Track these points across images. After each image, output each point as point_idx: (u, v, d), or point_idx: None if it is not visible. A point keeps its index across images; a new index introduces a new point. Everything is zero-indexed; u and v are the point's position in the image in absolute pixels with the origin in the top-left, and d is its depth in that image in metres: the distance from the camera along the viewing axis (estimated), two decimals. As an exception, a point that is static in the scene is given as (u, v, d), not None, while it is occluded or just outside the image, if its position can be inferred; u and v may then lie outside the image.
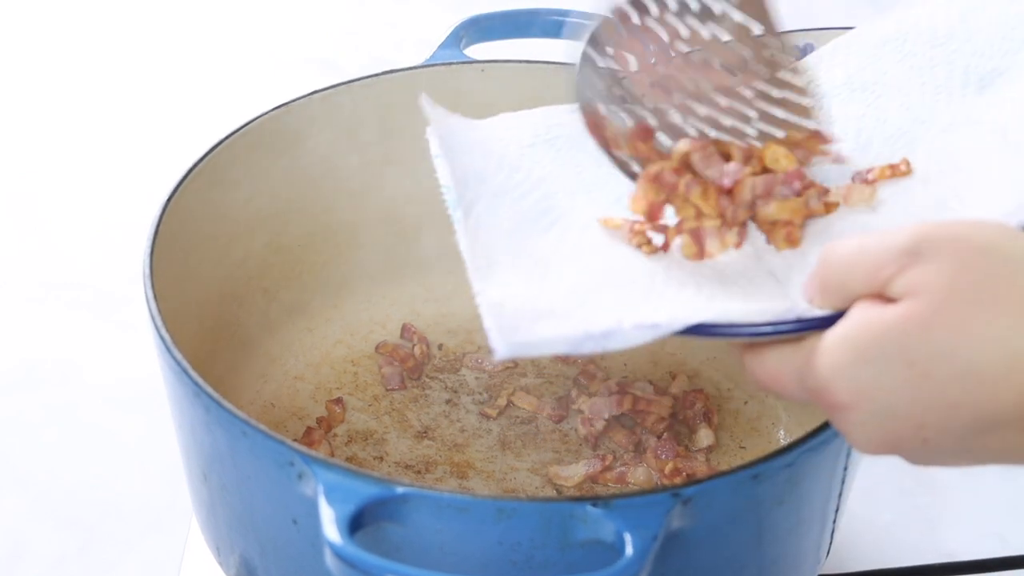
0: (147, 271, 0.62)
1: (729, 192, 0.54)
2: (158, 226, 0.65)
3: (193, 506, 0.66)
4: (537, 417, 0.75)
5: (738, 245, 0.54)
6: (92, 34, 1.26)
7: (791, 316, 0.49)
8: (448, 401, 0.76)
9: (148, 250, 0.64)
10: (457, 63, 0.78)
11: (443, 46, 0.80)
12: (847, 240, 0.48)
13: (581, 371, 0.77)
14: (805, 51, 0.64)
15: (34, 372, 0.88)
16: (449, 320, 0.81)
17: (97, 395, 0.86)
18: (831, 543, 0.65)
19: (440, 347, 0.80)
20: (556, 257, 0.54)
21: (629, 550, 0.50)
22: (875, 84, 0.60)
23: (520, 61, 0.78)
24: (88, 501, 0.79)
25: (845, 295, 0.47)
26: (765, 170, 0.55)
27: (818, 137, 0.56)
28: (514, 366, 0.78)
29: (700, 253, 0.54)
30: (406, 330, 0.80)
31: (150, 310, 0.60)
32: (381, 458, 0.72)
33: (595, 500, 0.51)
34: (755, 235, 0.55)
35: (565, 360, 0.78)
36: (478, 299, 0.50)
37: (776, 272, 0.52)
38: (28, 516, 0.78)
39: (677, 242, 0.54)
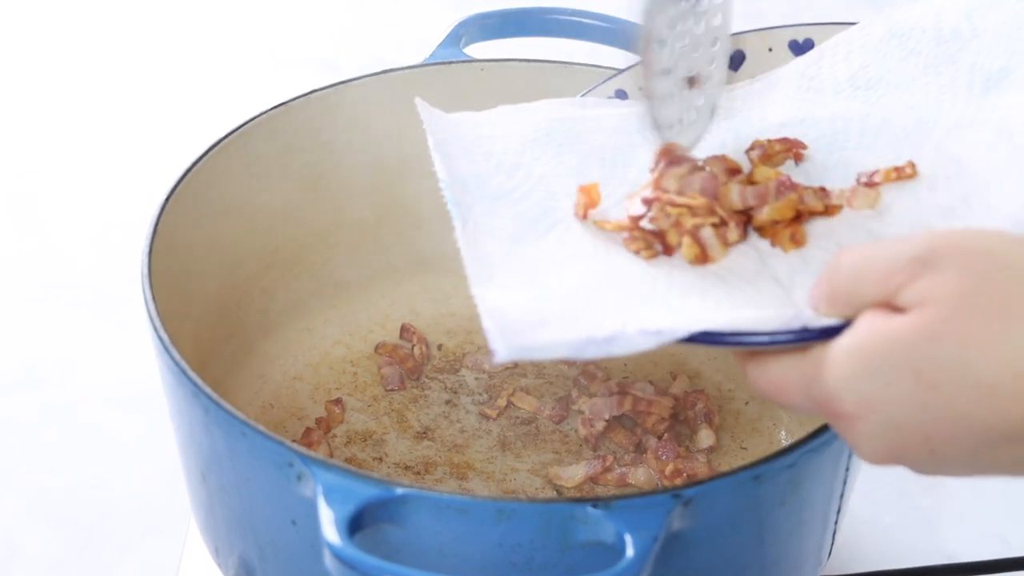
0: (145, 271, 0.62)
1: (715, 199, 0.54)
2: (156, 226, 0.65)
3: (192, 507, 0.65)
4: (537, 418, 0.75)
5: (740, 238, 0.53)
6: (92, 34, 1.26)
7: (796, 324, 0.48)
8: (448, 402, 0.76)
9: (146, 250, 0.64)
10: (457, 62, 0.78)
11: (443, 45, 0.79)
12: (856, 247, 0.47)
13: (581, 371, 0.77)
14: (804, 47, 0.64)
15: (34, 372, 0.88)
16: (448, 320, 0.81)
17: (96, 395, 0.86)
18: (832, 544, 0.65)
19: (440, 347, 0.79)
20: (556, 260, 0.53)
21: (630, 551, 0.50)
22: (879, 82, 0.59)
23: (520, 60, 0.78)
24: (87, 501, 0.79)
25: (853, 304, 0.47)
26: (752, 183, 0.55)
27: (791, 144, 0.56)
28: (514, 367, 0.78)
29: (703, 256, 0.53)
30: (405, 330, 0.80)
31: (148, 310, 0.60)
32: (380, 459, 0.72)
33: (595, 501, 0.51)
34: (759, 241, 0.54)
35: (565, 360, 0.78)
36: (478, 302, 0.50)
37: (780, 278, 0.52)
38: (27, 516, 0.78)
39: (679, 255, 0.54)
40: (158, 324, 0.59)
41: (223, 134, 0.71)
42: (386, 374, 0.77)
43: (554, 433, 0.74)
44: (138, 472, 0.80)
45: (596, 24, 0.80)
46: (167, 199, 0.67)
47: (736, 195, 0.54)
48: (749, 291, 0.51)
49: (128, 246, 0.74)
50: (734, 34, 0.62)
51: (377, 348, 0.79)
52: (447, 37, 0.80)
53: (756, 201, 0.54)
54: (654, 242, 0.54)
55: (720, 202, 0.54)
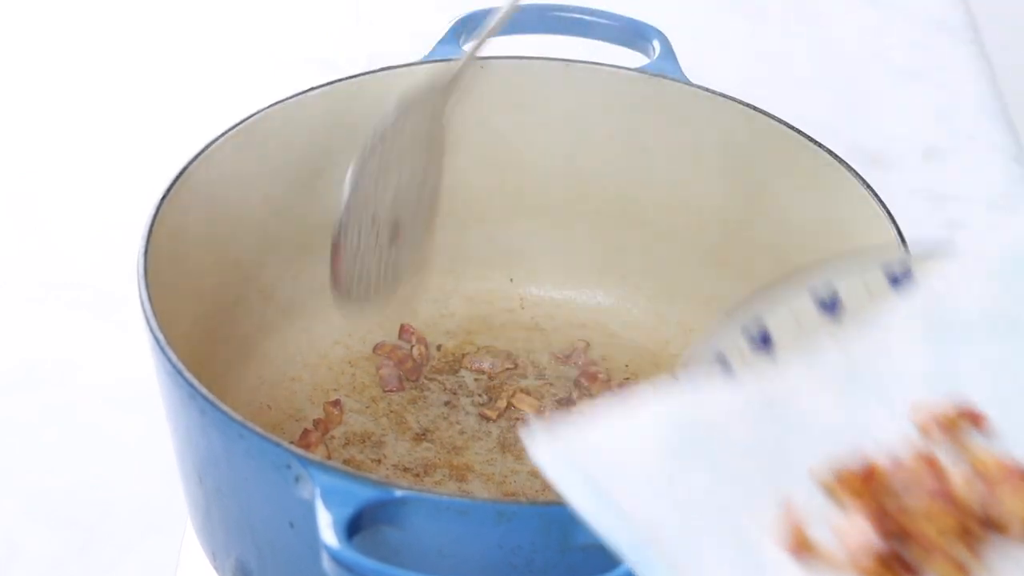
0: (141, 271, 0.62)
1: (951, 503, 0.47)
2: (152, 226, 0.65)
3: (188, 510, 0.65)
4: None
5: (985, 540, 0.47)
6: (90, 34, 1.25)
7: None
8: (447, 403, 0.76)
9: (142, 250, 0.63)
10: (456, 59, 0.77)
11: (442, 42, 0.79)
12: None
13: (582, 372, 0.76)
14: (901, 280, 0.55)
15: (34, 372, 0.87)
16: (448, 321, 0.80)
17: (96, 395, 0.85)
18: (835, 545, 0.65)
19: (439, 348, 0.79)
20: None
21: (630, 554, 0.49)
22: (1021, 319, 0.52)
23: (520, 57, 0.78)
24: (87, 502, 0.78)
25: None
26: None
27: (968, 415, 0.50)
28: (514, 367, 0.77)
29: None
30: (404, 331, 0.79)
31: (144, 310, 0.60)
32: (379, 460, 0.72)
33: (595, 503, 0.51)
34: (1000, 541, 0.47)
35: (565, 361, 0.78)
36: None
37: None
38: (26, 516, 0.78)
39: None
40: (154, 325, 0.59)
41: (220, 133, 0.71)
42: (385, 375, 0.76)
43: (555, 434, 0.74)
44: (138, 472, 0.80)
45: (600, 22, 0.80)
46: (163, 199, 0.67)
47: (971, 495, 0.48)
48: None
49: (128, 246, 0.73)
50: (823, 278, 0.55)
51: (376, 349, 0.78)
52: (446, 34, 0.79)
53: (985, 492, 0.48)
54: (896, 566, 0.47)
55: (957, 506, 0.47)
